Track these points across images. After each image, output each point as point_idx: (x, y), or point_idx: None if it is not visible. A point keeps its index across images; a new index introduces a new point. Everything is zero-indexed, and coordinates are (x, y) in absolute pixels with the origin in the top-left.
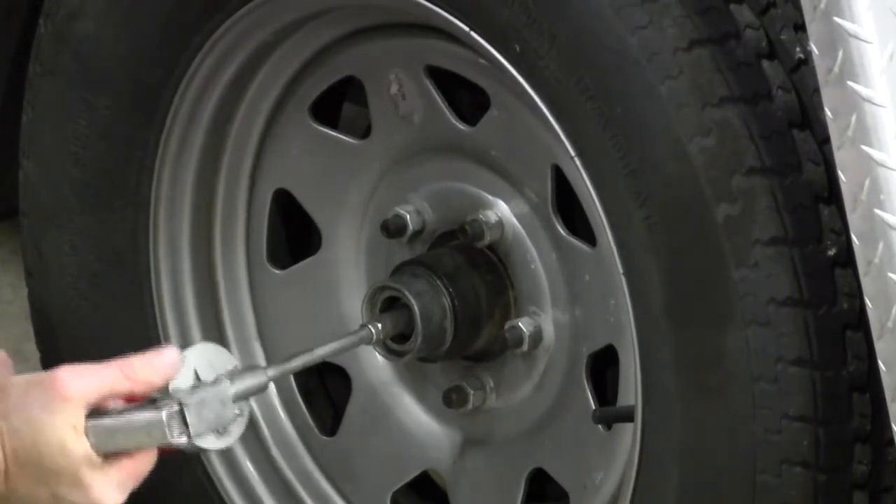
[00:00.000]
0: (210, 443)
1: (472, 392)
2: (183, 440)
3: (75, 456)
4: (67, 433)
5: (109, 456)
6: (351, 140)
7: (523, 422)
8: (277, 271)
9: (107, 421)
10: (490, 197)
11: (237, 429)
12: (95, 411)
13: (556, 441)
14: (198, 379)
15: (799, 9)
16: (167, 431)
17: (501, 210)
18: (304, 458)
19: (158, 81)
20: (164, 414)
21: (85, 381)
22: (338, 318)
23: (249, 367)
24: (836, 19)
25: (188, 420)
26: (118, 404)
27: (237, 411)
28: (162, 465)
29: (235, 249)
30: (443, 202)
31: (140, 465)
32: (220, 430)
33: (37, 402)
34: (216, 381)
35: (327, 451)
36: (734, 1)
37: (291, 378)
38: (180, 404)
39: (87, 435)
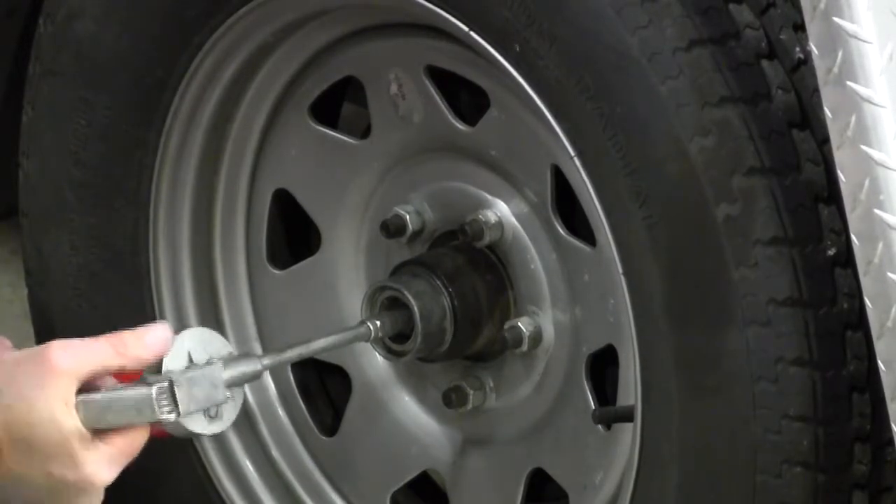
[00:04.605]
0: (201, 426)
1: (471, 392)
2: (172, 417)
3: (66, 430)
4: (58, 407)
5: (100, 432)
6: (351, 140)
7: (523, 422)
8: (277, 271)
9: (96, 396)
10: (490, 197)
11: (229, 415)
12: (86, 388)
13: (556, 441)
14: (191, 361)
15: (798, 9)
16: (156, 407)
17: (501, 210)
18: (304, 457)
19: (158, 81)
20: (153, 389)
21: (76, 355)
22: (337, 318)
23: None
24: (836, 19)
25: (178, 397)
26: (110, 383)
27: (228, 394)
28: (162, 465)
29: (235, 249)
30: (442, 202)
31: (131, 443)
32: (212, 414)
33: (28, 376)
34: (208, 363)
35: (327, 451)
36: (734, 1)
37: (291, 377)
38: (170, 381)
39: (77, 410)
